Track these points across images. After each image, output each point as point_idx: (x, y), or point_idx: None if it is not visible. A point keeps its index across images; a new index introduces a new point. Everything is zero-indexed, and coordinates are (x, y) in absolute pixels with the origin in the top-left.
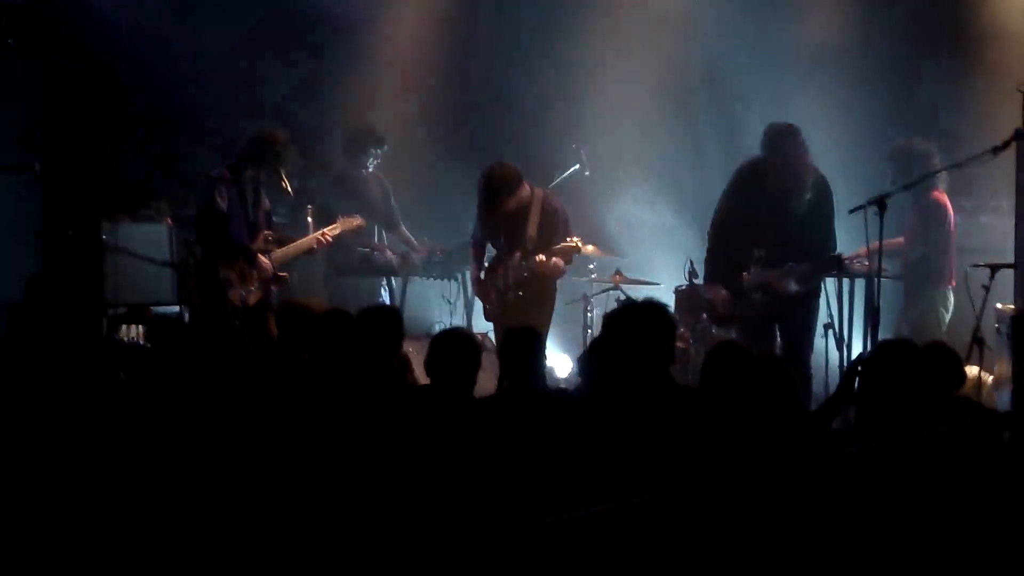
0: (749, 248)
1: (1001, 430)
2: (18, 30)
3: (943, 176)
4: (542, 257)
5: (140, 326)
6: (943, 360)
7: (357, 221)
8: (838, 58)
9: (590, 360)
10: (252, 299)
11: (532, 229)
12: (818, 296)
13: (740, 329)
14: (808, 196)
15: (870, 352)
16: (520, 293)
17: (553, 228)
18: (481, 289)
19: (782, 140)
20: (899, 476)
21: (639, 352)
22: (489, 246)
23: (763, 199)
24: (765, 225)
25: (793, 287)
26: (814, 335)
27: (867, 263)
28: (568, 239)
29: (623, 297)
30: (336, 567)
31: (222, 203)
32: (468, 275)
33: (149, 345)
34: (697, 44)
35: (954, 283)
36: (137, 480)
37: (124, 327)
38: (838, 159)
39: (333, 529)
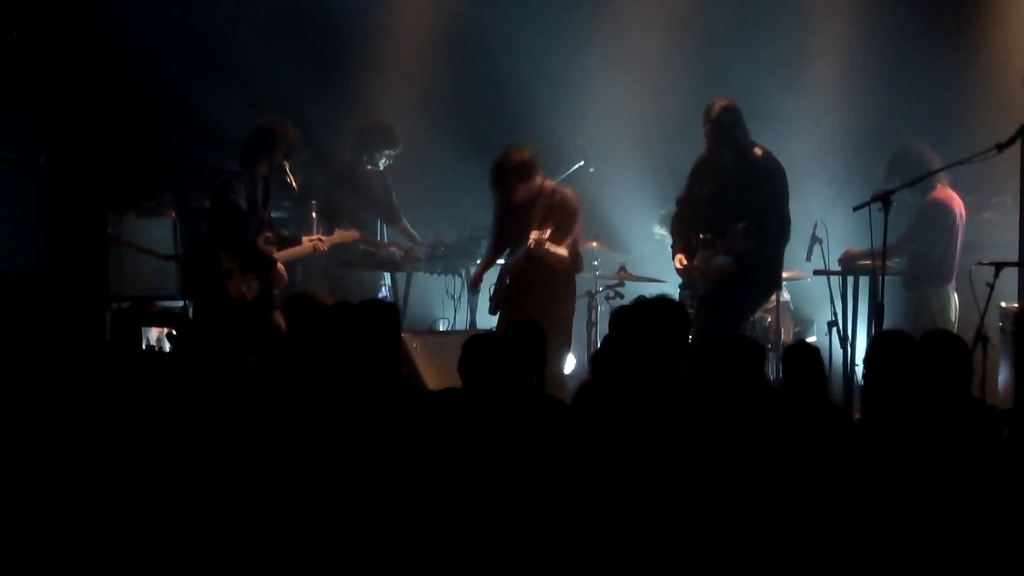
0: (694, 233)
1: (1001, 428)
2: (24, 21)
3: (943, 174)
4: (536, 233)
5: (156, 327)
6: (945, 350)
7: (353, 234)
8: (841, 54)
9: (605, 357)
10: (252, 294)
11: (537, 220)
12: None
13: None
14: (737, 179)
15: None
16: (514, 281)
17: (562, 218)
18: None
19: (708, 123)
20: (900, 475)
21: (655, 348)
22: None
23: (697, 184)
24: (703, 210)
25: (721, 260)
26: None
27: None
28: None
29: (612, 296)
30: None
31: (241, 200)
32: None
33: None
34: (701, 41)
35: (954, 283)
36: (145, 475)
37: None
38: (843, 157)
39: (342, 527)
